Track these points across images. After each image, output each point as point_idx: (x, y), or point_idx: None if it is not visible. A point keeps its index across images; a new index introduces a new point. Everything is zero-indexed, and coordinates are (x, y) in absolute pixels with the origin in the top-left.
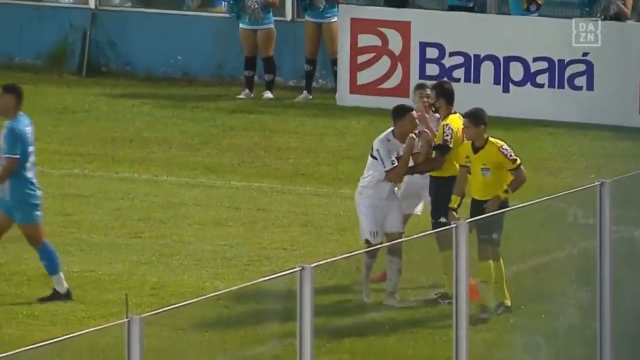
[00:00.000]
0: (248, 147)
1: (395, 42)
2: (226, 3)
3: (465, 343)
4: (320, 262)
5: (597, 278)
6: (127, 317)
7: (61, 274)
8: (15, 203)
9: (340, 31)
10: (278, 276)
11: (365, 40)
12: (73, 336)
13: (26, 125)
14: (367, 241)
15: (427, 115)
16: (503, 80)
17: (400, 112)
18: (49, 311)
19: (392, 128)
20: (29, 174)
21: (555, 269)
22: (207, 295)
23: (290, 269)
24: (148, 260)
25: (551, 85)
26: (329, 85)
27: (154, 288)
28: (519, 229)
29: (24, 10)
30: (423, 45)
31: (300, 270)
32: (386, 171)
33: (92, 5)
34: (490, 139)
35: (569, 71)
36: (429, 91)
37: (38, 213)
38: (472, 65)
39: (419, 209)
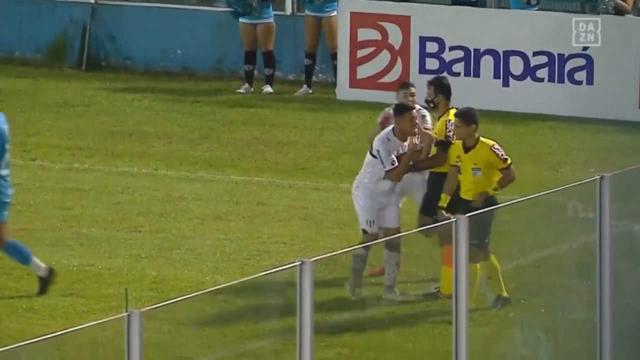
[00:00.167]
0: (248, 142)
1: (395, 36)
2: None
3: (465, 337)
4: (320, 257)
5: (597, 272)
6: (127, 311)
7: (34, 259)
8: None
9: (340, 25)
10: (278, 270)
11: (365, 34)
12: (73, 330)
13: (2, 122)
14: (363, 231)
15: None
16: (503, 74)
17: (400, 111)
18: (48, 305)
19: (392, 126)
20: (4, 172)
21: (555, 263)
22: (207, 290)
23: (290, 263)
24: (148, 255)
25: (551, 79)
26: (328, 79)
27: (153, 282)
28: (518, 223)
29: (24, 4)
30: (423, 40)
31: (300, 264)
32: (386, 171)
33: None
34: (481, 138)
35: (569, 65)
36: (413, 90)
37: (6, 213)
38: (472, 60)
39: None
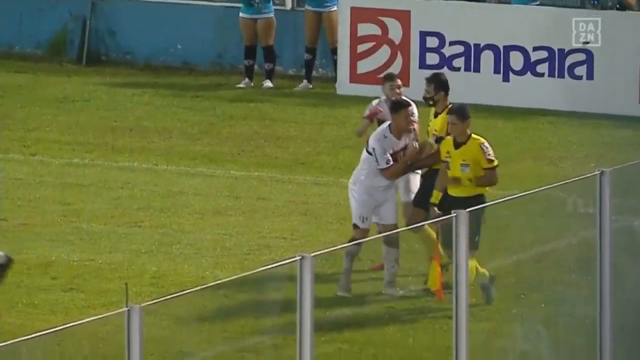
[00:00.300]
0: (248, 136)
1: (395, 31)
2: None
3: (465, 332)
4: (320, 252)
5: (597, 267)
6: (127, 306)
7: None
8: None
9: (340, 20)
10: (278, 265)
11: (365, 29)
12: (73, 325)
13: None
14: (355, 226)
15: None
16: (503, 69)
17: (396, 107)
18: (48, 300)
19: (389, 122)
20: None
21: (555, 258)
22: (207, 285)
23: (290, 258)
24: (148, 250)
25: (551, 74)
26: (329, 74)
27: (153, 277)
28: (518, 218)
29: None
30: (423, 35)
31: (300, 259)
32: (380, 169)
33: None
34: (473, 135)
35: (569, 60)
36: (399, 82)
37: None
38: (472, 55)
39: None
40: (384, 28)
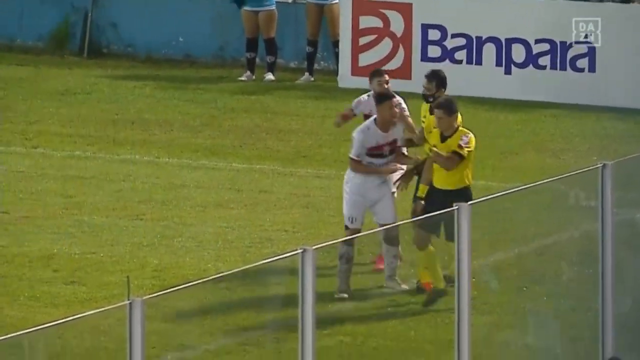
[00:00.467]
0: (249, 129)
1: (397, 23)
2: None
3: (467, 325)
4: (322, 244)
5: (599, 260)
6: (128, 299)
7: None
8: None
9: (342, 13)
10: (280, 258)
11: (366, 21)
12: (75, 318)
13: None
14: (345, 227)
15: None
16: (505, 62)
17: (380, 99)
18: (50, 293)
19: (375, 116)
20: None
21: (557, 251)
22: (209, 278)
23: (291, 251)
24: (149, 242)
25: (553, 67)
26: (330, 67)
27: (155, 270)
28: (521, 210)
29: None
30: (425, 27)
31: (302, 252)
32: (350, 157)
33: None
34: (461, 128)
35: (571, 53)
36: (387, 77)
37: None
38: (474, 47)
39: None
40: (386, 21)
